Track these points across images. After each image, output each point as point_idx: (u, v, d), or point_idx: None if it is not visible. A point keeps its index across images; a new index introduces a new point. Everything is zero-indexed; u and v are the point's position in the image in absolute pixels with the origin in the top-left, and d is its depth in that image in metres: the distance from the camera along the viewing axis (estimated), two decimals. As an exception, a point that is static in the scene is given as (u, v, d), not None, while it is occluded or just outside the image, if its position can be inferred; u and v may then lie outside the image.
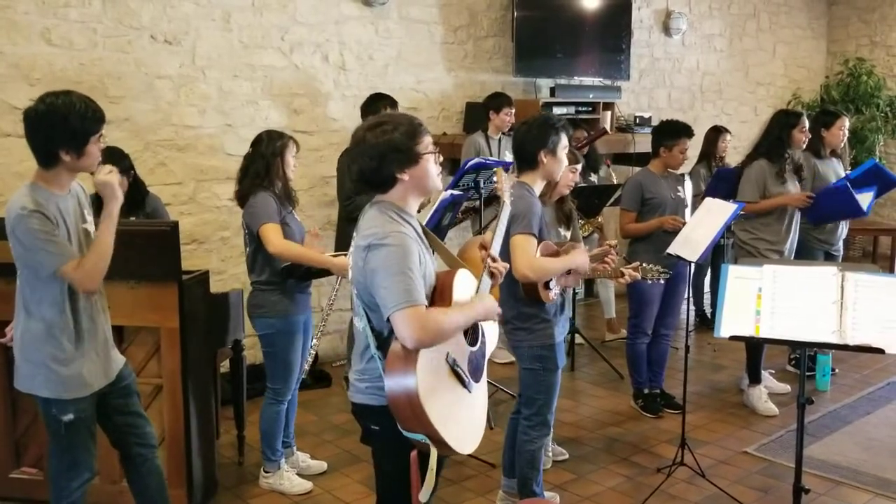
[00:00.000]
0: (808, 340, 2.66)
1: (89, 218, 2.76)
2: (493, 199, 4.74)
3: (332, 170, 4.98)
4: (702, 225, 4.01)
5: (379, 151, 2.21)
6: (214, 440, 3.77)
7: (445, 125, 6.10)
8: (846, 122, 5.02)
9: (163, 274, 3.26)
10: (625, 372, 4.99)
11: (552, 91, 6.47)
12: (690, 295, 4.35)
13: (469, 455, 4.00)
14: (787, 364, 5.49)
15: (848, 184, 4.63)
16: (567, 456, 4.09)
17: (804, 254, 4.89)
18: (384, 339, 2.23)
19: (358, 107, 4.93)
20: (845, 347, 2.63)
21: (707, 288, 6.61)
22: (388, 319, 2.14)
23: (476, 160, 4.46)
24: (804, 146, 4.70)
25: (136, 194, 3.89)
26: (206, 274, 3.62)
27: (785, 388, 5.02)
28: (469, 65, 6.21)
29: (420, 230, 2.33)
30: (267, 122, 5.06)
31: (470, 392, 2.33)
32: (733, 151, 6.54)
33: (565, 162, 3.29)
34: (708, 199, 4.20)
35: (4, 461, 3.52)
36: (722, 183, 5.27)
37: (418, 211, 2.41)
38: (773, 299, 2.70)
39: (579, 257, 3.23)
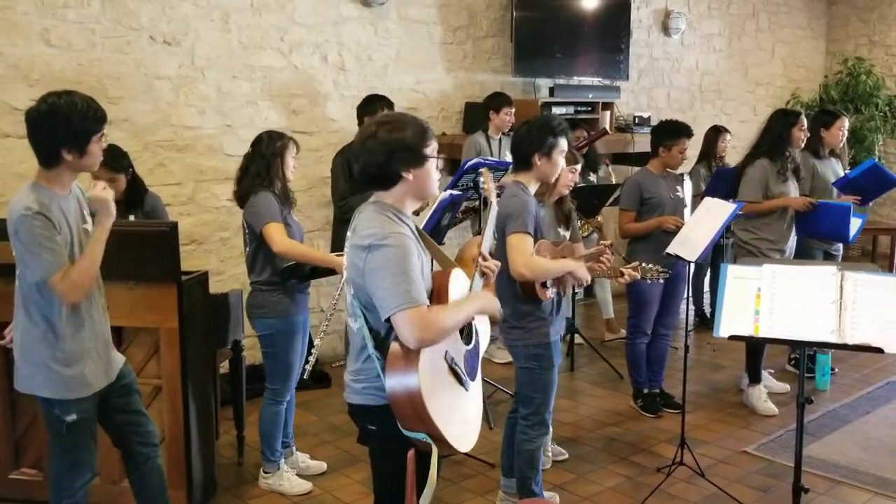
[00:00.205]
0: (807, 340, 2.67)
1: (89, 219, 2.77)
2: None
3: (329, 170, 4.98)
4: (701, 225, 4.01)
5: (389, 148, 2.21)
6: (214, 441, 3.76)
7: (445, 125, 6.10)
8: (846, 123, 5.02)
9: (162, 274, 3.26)
10: (624, 372, 4.99)
11: (551, 91, 6.48)
12: (690, 295, 4.35)
13: (468, 455, 4.03)
14: (786, 364, 5.49)
15: (851, 206, 4.63)
16: (566, 456, 4.10)
17: (803, 254, 4.89)
18: (382, 338, 2.23)
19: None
20: (844, 347, 2.63)
21: (707, 288, 6.61)
22: (387, 320, 2.15)
23: (475, 160, 4.46)
24: (802, 145, 4.70)
25: (135, 193, 3.88)
26: (205, 274, 3.62)
27: (784, 387, 5.03)
28: (468, 65, 6.21)
29: (416, 231, 2.33)
30: (266, 123, 5.06)
31: (467, 390, 2.35)
32: (732, 151, 6.54)
33: (561, 166, 3.29)
34: (707, 199, 4.20)
35: (4, 462, 3.52)
36: (721, 183, 5.27)
37: (416, 213, 2.41)
38: (773, 299, 2.70)
39: (578, 269, 3.23)
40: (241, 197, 3.60)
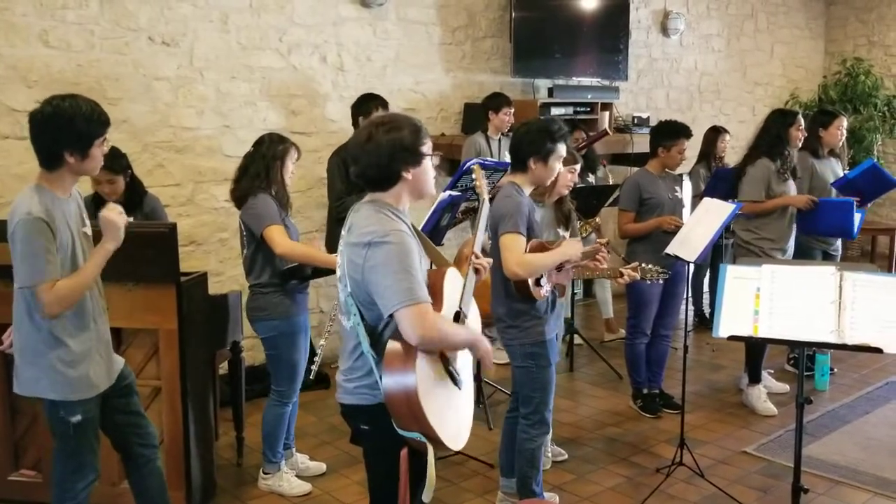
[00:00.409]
0: (806, 340, 2.67)
1: (88, 222, 2.77)
2: (491, 201, 4.74)
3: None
4: (700, 225, 4.02)
5: (390, 149, 2.23)
6: (213, 442, 3.76)
7: (444, 126, 6.10)
8: (844, 122, 5.02)
9: (161, 275, 3.26)
10: (624, 372, 4.99)
11: (550, 91, 6.47)
12: (689, 295, 4.35)
13: (468, 456, 4.03)
14: (785, 364, 5.49)
15: (853, 201, 4.63)
16: (566, 456, 4.10)
17: (802, 254, 4.89)
18: (377, 336, 2.25)
19: (356, 108, 4.93)
20: (844, 347, 2.63)
21: (706, 288, 6.61)
22: (389, 317, 2.16)
23: (475, 161, 4.45)
24: (800, 144, 4.71)
25: (134, 194, 3.88)
26: (204, 275, 3.62)
27: (784, 387, 5.03)
28: (467, 65, 6.21)
29: (413, 228, 2.35)
30: (265, 124, 5.06)
31: (460, 390, 2.38)
32: (731, 152, 6.54)
33: (556, 171, 3.29)
34: (706, 199, 4.21)
35: (3, 463, 3.52)
36: (720, 183, 5.28)
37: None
38: (772, 299, 2.70)
39: (569, 247, 3.23)
40: (239, 197, 3.59)
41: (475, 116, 5.82)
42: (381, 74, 5.69)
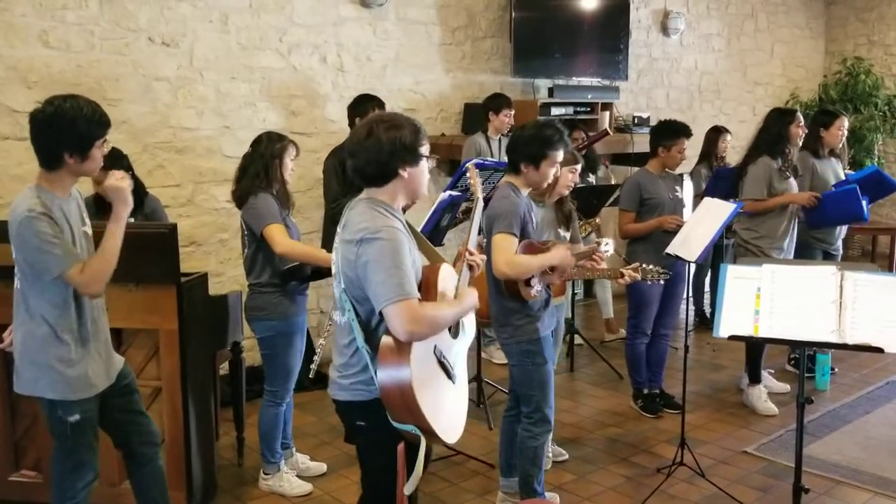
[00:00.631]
0: (807, 340, 2.66)
1: (88, 221, 2.78)
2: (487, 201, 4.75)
3: (325, 172, 4.98)
4: (701, 225, 4.01)
5: (389, 146, 2.26)
6: (214, 442, 3.76)
7: (444, 126, 6.10)
8: (845, 122, 5.02)
9: (161, 276, 3.26)
10: (624, 372, 4.99)
11: (550, 91, 6.47)
12: (690, 295, 4.35)
13: (468, 455, 4.03)
14: (786, 363, 5.49)
15: (857, 187, 4.63)
16: (567, 456, 4.09)
17: (803, 253, 4.89)
18: (371, 331, 2.27)
19: (357, 109, 4.93)
20: (844, 347, 2.63)
21: (707, 288, 6.61)
22: (379, 312, 2.19)
23: (475, 161, 4.45)
24: (800, 142, 4.70)
25: (135, 195, 3.83)
26: (204, 276, 3.62)
27: (784, 387, 5.02)
28: (467, 66, 6.21)
29: (406, 225, 2.37)
30: (265, 124, 5.05)
31: (454, 384, 2.41)
32: (732, 151, 6.54)
33: (549, 176, 3.29)
34: (707, 199, 4.20)
35: (3, 464, 3.52)
36: (721, 182, 5.27)
37: (403, 212, 2.46)
38: (772, 299, 2.70)
39: (559, 253, 3.24)
40: (240, 197, 3.59)
41: (475, 117, 5.82)
42: (380, 75, 5.69)
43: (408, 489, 2.25)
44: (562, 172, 3.55)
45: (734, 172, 4.92)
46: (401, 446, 2.26)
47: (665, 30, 7.66)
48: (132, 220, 3.80)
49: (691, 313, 6.17)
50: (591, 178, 5.79)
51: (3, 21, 4.21)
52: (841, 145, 5.13)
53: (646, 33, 7.50)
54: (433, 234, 4.14)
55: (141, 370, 3.34)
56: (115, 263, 2.63)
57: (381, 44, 5.67)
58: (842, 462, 4.02)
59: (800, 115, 4.67)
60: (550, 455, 4.01)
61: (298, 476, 3.84)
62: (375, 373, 2.23)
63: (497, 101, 5.51)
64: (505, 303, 3.29)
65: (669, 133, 4.44)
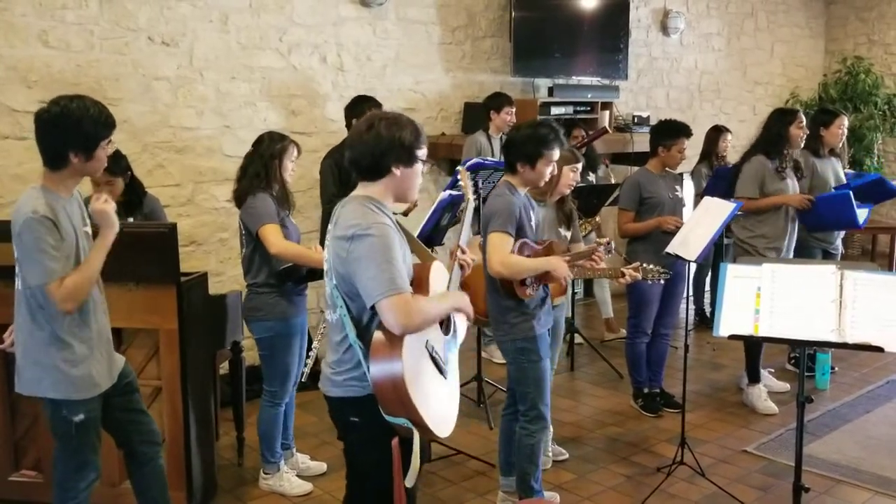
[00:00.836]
0: (807, 339, 2.66)
1: (89, 222, 2.78)
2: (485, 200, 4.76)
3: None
4: (700, 224, 4.01)
5: (388, 142, 2.30)
6: (214, 442, 3.76)
7: (444, 125, 6.10)
8: (845, 121, 5.02)
9: (161, 276, 3.26)
10: (624, 371, 4.99)
11: (550, 91, 6.47)
12: (690, 294, 4.35)
13: (469, 455, 4.03)
14: (786, 363, 5.49)
15: (850, 193, 4.63)
16: (567, 456, 4.09)
17: (802, 252, 4.89)
18: (363, 327, 2.30)
19: (357, 108, 4.93)
20: (844, 346, 2.63)
21: (708, 287, 6.61)
22: (372, 307, 2.21)
23: (474, 160, 4.47)
24: (802, 143, 4.70)
25: (134, 195, 3.87)
26: (204, 275, 3.62)
27: (784, 386, 5.02)
28: (467, 65, 6.21)
29: (396, 223, 2.39)
30: (265, 124, 5.05)
31: (446, 378, 2.44)
32: (733, 151, 6.54)
33: (546, 175, 3.30)
34: (706, 199, 4.20)
35: (3, 464, 3.52)
36: (721, 182, 5.27)
37: (406, 215, 2.48)
38: (772, 298, 2.70)
39: (554, 262, 3.25)
40: (239, 197, 3.59)
41: (475, 116, 5.82)
42: (380, 74, 5.69)
43: (408, 482, 2.26)
44: (563, 171, 3.56)
45: (733, 171, 4.92)
46: (395, 441, 2.28)
47: (665, 29, 7.66)
48: (131, 219, 3.82)
49: (691, 313, 6.18)
50: (592, 178, 5.79)
51: (3, 21, 4.21)
52: (841, 144, 5.13)
53: (646, 33, 7.50)
54: (433, 232, 4.14)
55: (141, 370, 3.34)
56: (94, 283, 2.65)
57: (381, 43, 5.67)
58: (842, 461, 4.02)
59: (801, 116, 4.65)
60: (551, 454, 4.01)
61: (298, 476, 3.84)
62: (368, 368, 2.25)
63: (498, 100, 5.51)
64: (501, 301, 3.30)
65: (669, 133, 4.44)
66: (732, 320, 2.73)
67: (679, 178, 4.66)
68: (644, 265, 3.76)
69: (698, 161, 6.30)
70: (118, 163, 3.70)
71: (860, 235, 8.72)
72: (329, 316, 2.40)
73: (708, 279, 6.52)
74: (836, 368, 5.33)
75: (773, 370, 5.18)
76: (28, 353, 2.67)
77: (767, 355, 4.91)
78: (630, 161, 6.58)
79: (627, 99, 7.30)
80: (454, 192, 4.13)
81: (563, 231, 3.73)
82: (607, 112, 6.63)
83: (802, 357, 2.91)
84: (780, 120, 4.65)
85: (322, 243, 4.74)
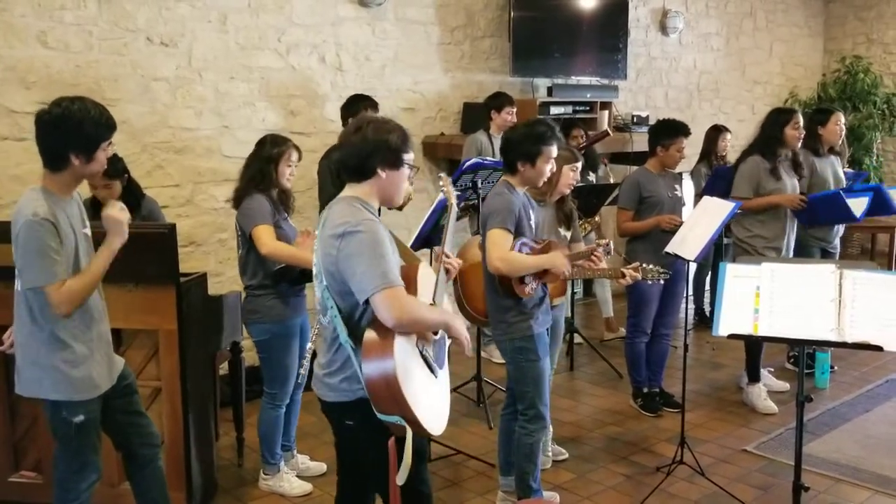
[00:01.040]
0: (806, 338, 2.67)
1: (88, 223, 2.78)
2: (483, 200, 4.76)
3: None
4: (699, 224, 4.01)
5: (374, 144, 2.36)
6: (213, 442, 3.76)
7: (443, 125, 6.10)
8: (841, 117, 5.02)
9: (160, 276, 3.26)
10: (624, 371, 4.99)
11: (549, 91, 6.47)
12: (690, 293, 4.35)
13: (468, 455, 4.03)
14: (786, 362, 5.49)
15: (841, 192, 4.63)
16: (567, 455, 4.09)
17: (801, 251, 4.89)
18: (355, 324, 2.33)
19: (356, 108, 4.93)
20: (844, 345, 2.63)
21: (708, 286, 6.61)
22: (365, 303, 2.24)
23: (474, 160, 4.47)
24: (798, 144, 4.70)
25: (132, 198, 3.86)
26: (203, 276, 3.62)
27: (784, 385, 5.03)
28: (466, 65, 6.20)
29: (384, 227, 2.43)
30: (264, 124, 5.05)
31: (436, 377, 2.47)
32: (732, 150, 6.55)
33: (546, 172, 3.30)
34: (705, 198, 4.21)
35: (3, 465, 3.52)
36: (720, 181, 5.27)
37: (400, 209, 2.53)
38: (772, 297, 2.70)
39: (556, 259, 3.26)
40: (236, 199, 3.60)
41: (474, 116, 5.82)
42: (379, 74, 5.69)
43: (399, 479, 2.28)
44: (563, 171, 3.56)
45: (731, 171, 4.92)
46: (391, 441, 2.29)
47: (664, 29, 7.66)
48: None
49: (691, 312, 6.18)
50: (592, 177, 5.79)
51: (2, 21, 4.21)
52: (840, 142, 5.13)
53: (644, 32, 7.50)
54: (432, 233, 4.14)
55: (140, 371, 3.34)
56: (94, 288, 2.65)
57: (379, 43, 5.67)
58: (841, 460, 4.03)
59: (798, 117, 4.63)
60: (550, 454, 4.01)
61: (298, 476, 3.84)
62: (360, 366, 2.28)
63: (499, 100, 5.52)
64: (499, 300, 3.30)
65: (668, 132, 4.44)
66: (732, 320, 2.73)
67: (678, 178, 4.66)
68: (644, 265, 3.77)
69: (698, 161, 6.30)
70: (115, 165, 3.70)
71: (859, 234, 8.71)
72: (322, 320, 2.43)
73: (708, 279, 6.52)
74: (836, 367, 5.33)
75: (772, 369, 5.18)
76: (28, 354, 2.67)
77: (767, 354, 4.91)
78: (629, 161, 6.57)
79: (626, 98, 7.30)
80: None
81: (562, 231, 3.74)
82: (606, 112, 6.62)
83: (802, 356, 2.91)
84: (776, 121, 4.66)
85: None
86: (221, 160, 4.97)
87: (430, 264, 3.07)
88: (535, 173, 3.26)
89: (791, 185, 4.66)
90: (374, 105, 4.77)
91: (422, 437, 2.38)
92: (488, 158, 4.86)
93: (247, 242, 3.54)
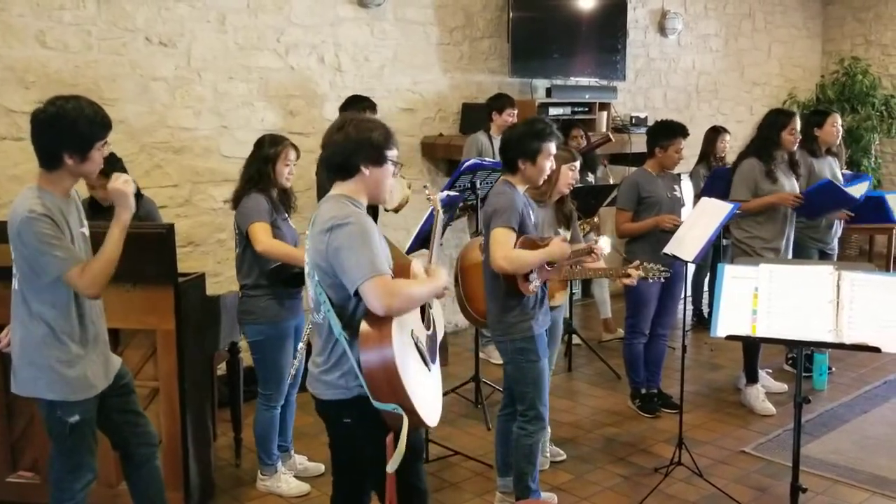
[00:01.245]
0: (804, 339, 2.67)
1: (85, 223, 2.78)
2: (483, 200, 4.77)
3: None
4: (697, 225, 4.02)
5: (356, 142, 2.40)
6: (211, 443, 3.76)
7: (442, 126, 6.10)
8: (838, 118, 5.03)
9: (159, 276, 3.25)
10: (622, 372, 4.99)
11: (548, 91, 6.47)
12: (688, 294, 4.36)
13: (467, 456, 4.03)
14: (784, 363, 5.49)
15: (831, 179, 4.65)
16: (565, 456, 4.09)
17: (798, 252, 4.90)
18: (348, 316, 2.35)
19: (355, 109, 4.92)
20: (842, 346, 2.64)
21: (706, 287, 6.61)
22: (355, 293, 2.27)
23: (472, 161, 4.48)
24: (794, 147, 4.70)
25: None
26: (202, 276, 3.62)
27: (782, 387, 5.03)
28: (465, 66, 6.20)
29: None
30: (263, 124, 5.05)
31: (429, 370, 2.51)
32: (731, 151, 6.55)
33: (547, 169, 3.30)
34: (703, 199, 4.21)
35: (0, 465, 3.51)
36: (718, 182, 5.27)
37: (396, 212, 2.54)
38: (770, 298, 2.70)
39: (556, 247, 3.27)
40: (235, 199, 3.60)
41: (473, 116, 5.82)
42: (378, 75, 5.69)
43: (390, 467, 2.28)
44: (562, 170, 3.57)
45: (729, 172, 4.92)
46: (389, 437, 2.31)
47: (662, 30, 7.66)
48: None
49: (689, 313, 6.18)
50: (591, 178, 5.80)
51: (1, 21, 4.20)
52: (838, 143, 5.14)
53: (643, 33, 7.51)
54: (430, 233, 4.14)
55: (138, 370, 3.33)
56: (115, 266, 2.64)
57: (378, 44, 5.67)
58: (839, 461, 4.03)
59: (796, 122, 4.62)
60: (548, 455, 4.01)
61: (296, 476, 3.84)
62: (356, 361, 2.30)
63: (500, 101, 5.53)
64: (499, 301, 3.30)
65: (666, 133, 4.44)
66: (730, 321, 2.74)
67: (677, 178, 4.66)
68: (645, 263, 3.78)
69: (697, 162, 6.30)
70: (113, 166, 3.69)
71: (857, 236, 8.72)
72: (315, 318, 2.45)
73: (706, 280, 6.52)
74: (834, 369, 5.34)
75: (770, 371, 5.18)
76: (24, 353, 2.67)
77: (765, 356, 4.91)
78: (628, 161, 6.57)
79: (625, 99, 7.30)
80: (452, 193, 4.14)
81: (562, 231, 3.74)
82: (605, 113, 6.63)
83: (800, 357, 2.91)
84: (773, 123, 4.66)
85: None
86: (220, 160, 4.97)
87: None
88: (535, 171, 3.26)
89: (790, 185, 4.66)
90: (372, 106, 4.77)
91: (418, 426, 2.39)
92: (487, 159, 4.87)
93: (244, 240, 3.54)
